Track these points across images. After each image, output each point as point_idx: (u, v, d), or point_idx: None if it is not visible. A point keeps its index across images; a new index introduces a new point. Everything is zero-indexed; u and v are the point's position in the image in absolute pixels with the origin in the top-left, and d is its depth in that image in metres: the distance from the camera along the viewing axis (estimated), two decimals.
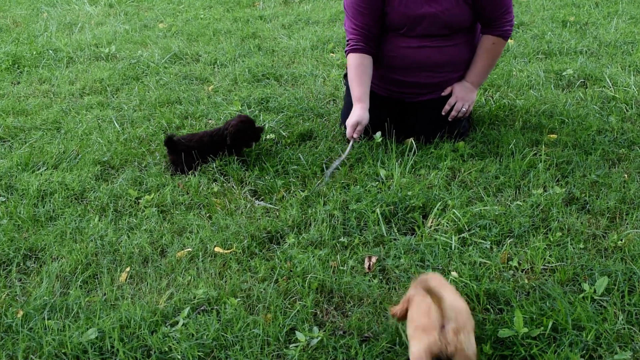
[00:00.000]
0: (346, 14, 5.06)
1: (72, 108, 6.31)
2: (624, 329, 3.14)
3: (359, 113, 4.90)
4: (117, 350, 3.15)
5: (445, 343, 2.70)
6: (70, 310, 3.50)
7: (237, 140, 4.92)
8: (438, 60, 4.98)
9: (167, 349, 3.16)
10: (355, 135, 4.91)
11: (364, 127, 4.92)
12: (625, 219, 4.06)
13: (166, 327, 3.31)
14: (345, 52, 5.10)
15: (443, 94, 5.11)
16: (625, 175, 4.48)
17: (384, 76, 5.13)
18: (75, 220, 4.34)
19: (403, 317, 3.06)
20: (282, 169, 4.81)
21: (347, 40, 5.07)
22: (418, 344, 2.77)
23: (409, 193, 4.30)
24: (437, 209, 4.16)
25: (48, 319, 3.44)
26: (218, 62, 7.49)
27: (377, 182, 4.53)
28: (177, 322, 3.33)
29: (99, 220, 4.32)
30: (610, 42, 7.39)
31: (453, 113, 5.05)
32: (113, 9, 10.23)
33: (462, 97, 5.06)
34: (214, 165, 4.88)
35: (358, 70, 4.99)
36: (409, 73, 5.02)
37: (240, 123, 4.90)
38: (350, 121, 4.91)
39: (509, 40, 7.51)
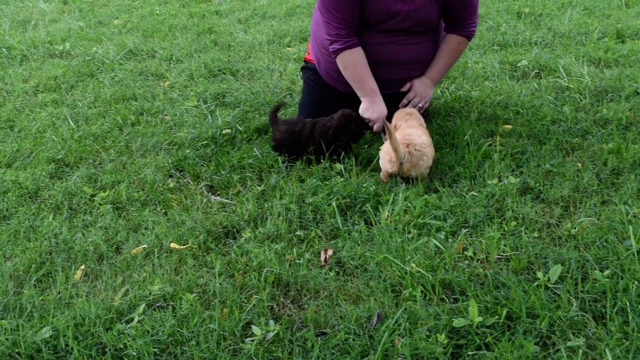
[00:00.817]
0: (326, 13, 4.86)
1: (25, 106, 6.25)
2: (577, 316, 3.16)
3: (381, 107, 4.93)
4: (72, 348, 3.12)
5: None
6: (24, 309, 3.46)
7: (339, 135, 4.81)
8: (402, 57, 4.98)
9: (122, 346, 3.14)
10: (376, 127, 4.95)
11: (379, 126, 4.95)
12: (579, 207, 4.10)
13: (121, 324, 3.28)
14: (337, 50, 4.90)
15: (402, 89, 5.12)
16: (579, 164, 4.52)
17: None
18: (29, 219, 4.30)
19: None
20: (238, 164, 4.79)
21: (335, 38, 4.88)
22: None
23: (365, 185, 4.30)
24: (393, 201, 4.17)
25: (1, 318, 3.40)
26: (174, 57, 7.46)
27: (333, 176, 4.53)
28: (133, 319, 3.30)
29: (54, 219, 4.28)
30: (564, 33, 7.46)
31: (409, 107, 5.06)
32: (67, 6, 10.15)
33: (421, 93, 5.08)
34: (170, 161, 4.86)
35: (362, 63, 4.90)
36: (372, 69, 5.01)
37: (343, 117, 4.80)
38: (374, 116, 4.92)
39: None
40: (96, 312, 3.33)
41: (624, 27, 7.56)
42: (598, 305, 3.23)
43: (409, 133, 4.53)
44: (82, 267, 3.82)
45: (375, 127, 4.93)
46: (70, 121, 5.76)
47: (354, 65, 4.90)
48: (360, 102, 5.03)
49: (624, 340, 3.00)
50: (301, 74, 5.64)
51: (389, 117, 4.92)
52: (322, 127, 4.77)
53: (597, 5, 8.44)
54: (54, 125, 5.72)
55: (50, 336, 3.19)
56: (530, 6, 8.50)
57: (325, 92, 5.22)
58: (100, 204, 4.41)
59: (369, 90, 4.91)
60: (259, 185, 4.50)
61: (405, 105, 5.08)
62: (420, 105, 5.11)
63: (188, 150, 5.01)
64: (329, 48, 4.94)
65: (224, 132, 5.29)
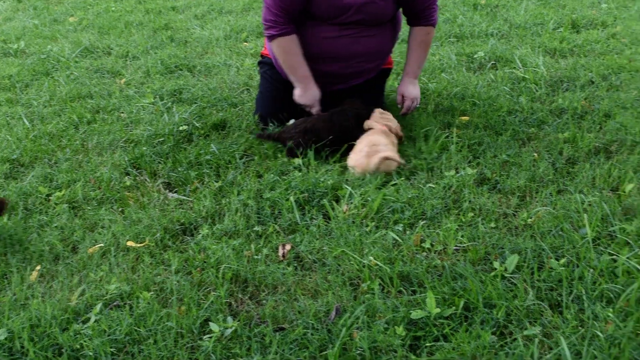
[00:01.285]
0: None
1: None
2: (534, 304, 3.18)
3: (315, 91, 5.05)
4: (28, 350, 3.09)
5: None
6: None
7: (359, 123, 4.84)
8: (358, 50, 4.98)
9: (78, 346, 3.10)
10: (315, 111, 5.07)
11: (317, 110, 5.09)
12: (535, 197, 4.13)
13: (78, 324, 3.25)
14: (272, 35, 4.93)
15: (398, 104, 5.26)
16: (535, 154, 4.55)
17: None
18: None
19: None
20: (195, 160, 4.76)
21: (272, 24, 4.90)
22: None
23: (322, 179, 4.30)
24: (351, 195, 4.17)
25: None
26: (130, 54, 7.41)
27: (291, 171, 4.52)
28: (89, 319, 3.27)
29: (8, 219, 4.23)
30: (520, 24, 7.52)
31: (404, 110, 5.23)
32: (22, 4, 10.06)
33: (415, 97, 5.22)
34: (126, 158, 4.82)
35: (296, 50, 4.95)
36: (325, 63, 5.01)
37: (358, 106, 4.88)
38: (308, 100, 5.06)
39: None
40: (52, 312, 3.29)
41: (579, 17, 7.63)
42: (554, 294, 3.26)
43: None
44: (38, 267, 3.77)
45: (314, 112, 5.05)
46: (25, 120, 5.69)
47: (288, 51, 4.96)
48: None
49: (579, 328, 3.03)
50: (258, 68, 5.63)
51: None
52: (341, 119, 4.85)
53: None
54: (9, 124, 5.66)
55: (6, 338, 3.15)
56: None
57: (282, 86, 5.21)
58: (56, 204, 4.36)
59: (301, 77, 4.99)
60: (217, 182, 4.47)
61: (405, 115, 5.21)
62: (417, 105, 5.25)
63: (145, 148, 4.97)
64: (264, 32, 5.01)
65: (180, 128, 5.25)
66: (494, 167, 4.44)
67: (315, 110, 5.02)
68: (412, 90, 5.18)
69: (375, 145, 4.52)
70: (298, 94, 5.03)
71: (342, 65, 5.05)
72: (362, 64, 5.10)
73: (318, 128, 4.72)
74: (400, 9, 5.08)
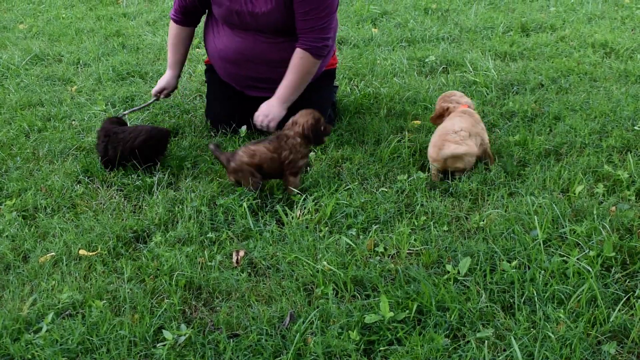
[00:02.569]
0: None
1: None
2: (487, 307, 3.21)
3: (167, 79, 5.44)
4: None
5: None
6: None
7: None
8: (274, 56, 4.99)
9: (30, 356, 3.07)
10: (161, 96, 5.52)
11: (169, 92, 5.49)
12: (487, 200, 4.16)
13: (29, 334, 3.21)
14: (170, 17, 5.33)
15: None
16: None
17: (230, 72, 5.23)
18: None
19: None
20: (148, 167, 4.73)
21: (173, 8, 5.30)
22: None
23: (275, 185, 4.30)
24: (303, 199, 4.18)
25: None
26: (81, 61, 7.36)
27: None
28: (41, 329, 3.23)
29: None
30: (470, 27, 7.59)
31: (259, 127, 4.99)
32: None
33: (265, 114, 4.94)
34: (78, 166, 4.78)
35: (175, 39, 5.36)
36: (251, 67, 5.09)
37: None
38: (158, 85, 5.45)
39: (373, 30, 7.63)
40: (3, 323, 3.25)
41: (529, 21, 7.73)
42: (506, 296, 3.29)
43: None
44: None
45: (153, 93, 5.51)
46: None
47: (169, 36, 5.43)
48: (257, 103, 5.03)
49: (531, 329, 3.06)
50: (205, 76, 5.64)
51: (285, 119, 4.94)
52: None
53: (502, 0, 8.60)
54: None
55: None
56: (437, 2, 8.62)
57: (227, 91, 5.23)
58: (5, 213, 4.30)
59: (168, 63, 5.48)
60: (174, 190, 4.46)
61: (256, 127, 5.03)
62: (265, 124, 4.94)
63: (97, 155, 4.93)
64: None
65: None
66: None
67: (153, 92, 5.49)
68: (264, 109, 4.95)
69: (445, 134, 4.46)
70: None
71: (263, 70, 5.09)
72: (278, 70, 5.02)
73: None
74: None
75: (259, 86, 5.15)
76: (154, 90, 5.46)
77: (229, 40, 5.01)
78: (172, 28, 5.30)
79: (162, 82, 5.42)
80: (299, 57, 4.89)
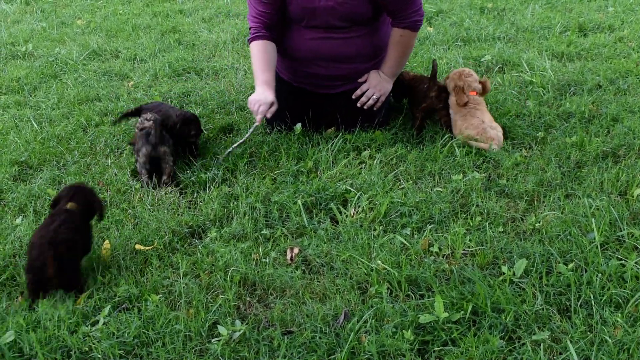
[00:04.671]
0: (248, 3, 5.04)
1: None
2: (542, 309, 3.18)
3: (264, 94, 4.87)
4: (36, 352, 3.09)
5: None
6: None
7: None
8: (342, 52, 4.99)
9: (87, 348, 3.11)
10: (259, 117, 4.86)
11: (267, 106, 4.85)
12: (543, 201, 4.13)
13: (86, 326, 3.25)
14: (248, 40, 5.06)
15: (360, 80, 5.12)
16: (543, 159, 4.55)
17: (294, 68, 5.18)
18: None
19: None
20: (202, 164, 4.77)
21: (250, 29, 5.05)
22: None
23: (330, 183, 4.31)
24: (358, 198, 4.18)
25: None
26: (138, 57, 7.42)
27: (299, 173, 4.53)
28: (98, 321, 3.28)
29: (17, 221, 4.23)
30: (527, 27, 7.51)
31: (363, 99, 5.06)
32: (30, 7, 10.06)
33: (375, 86, 5.08)
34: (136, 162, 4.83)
35: (263, 56, 4.97)
36: (317, 65, 5.04)
37: None
38: (265, 101, 4.86)
39: (429, 28, 7.59)
40: (60, 315, 3.30)
41: (586, 21, 7.62)
42: (562, 299, 3.26)
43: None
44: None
45: (258, 119, 4.89)
46: (34, 123, 5.70)
47: (253, 57, 5.02)
48: (319, 98, 5.16)
49: (588, 333, 3.03)
50: None
51: (341, 117, 5.10)
52: None
53: None
54: (17, 127, 5.67)
55: (14, 340, 3.16)
56: (493, 1, 8.54)
57: (285, 88, 5.22)
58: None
59: (260, 81, 4.94)
60: (227, 185, 4.48)
61: (359, 97, 5.08)
62: (375, 97, 5.09)
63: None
64: None
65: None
66: (501, 171, 4.44)
67: (258, 118, 4.87)
68: (378, 81, 5.13)
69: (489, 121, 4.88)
70: (250, 97, 4.95)
71: (335, 67, 5.07)
72: (356, 65, 5.11)
73: None
74: None
75: (323, 84, 5.16)
76: (262, 109, 4.83)
77: (299, 40, 5.01)
78: (259, 45, 4.98)
79: (269, 97, 4.86)
80: (399, 35, 5.01)
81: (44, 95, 6.45)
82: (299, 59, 5.08)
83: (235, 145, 4.78)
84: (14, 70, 7.13)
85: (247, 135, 4.95)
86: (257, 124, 4.90)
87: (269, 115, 4.88)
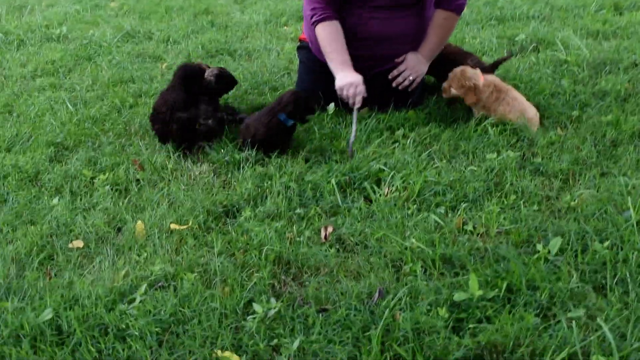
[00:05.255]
0: None
1: (23, 91, 6.25)
2: (578, 287, 3.17)
3: (352, 76, 4.88)
4: (74, 329, 3.13)
5: None
6: (27, 291, 3.46)
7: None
8: (387, 32, 4.98)
9: (124, 326, 3.14)
10: (359, 98, 4.86)
11: (363, 86, 4.87)
12: (579, 180, 4.10)
13: (123, 304, 3.28)
14: (313, 23, 5.01)
15: (396, 60, 5.11)
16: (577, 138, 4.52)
17: None
18: (29, 203, 4.30)
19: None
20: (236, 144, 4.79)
21: (313, 11, 4.99)
22: None
23: (363, 162, 4.31)
24: (392, 177, 4.17)
25: (5, 300, 3.40)
26: (171, 39, 7.46)
27: (332, 153, 4.53)
28: (134, 299, 3.30)
29: (54, 201, 4.28)
30: (561, 6, 7.46)
31: (399, 79, 5.05)
32: None
33: (412, 67, 5.07)
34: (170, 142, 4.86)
35: (336, 37, 4.95)
36: (360, 45, 5.01)
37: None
38: (360, 84, 4.86)
39: None
40: (97, 293, 3.33)
41: None
42: (598, 277, 3.24)
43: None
44: (82, 246, 3.82)
45: (357, 102, 4.87)
46: (69, 105, 5.75)
47: (322, 39, 4.97)
48: None
49: (624, 311, 3.01)
50: (297, 53, 5.65)
51: (376, 97, 5.01)
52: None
53: None
54: (52, 109, 5.72)
55: (52, 318, 3.19)
56: None
57: (320, 69, 5.21)
58: (99, 187, 4.40)
59: (339, 62, 4.94)
60: (260, 165, 4.50)
61: (395, 77, 5.07)
62: (412, 78, 5.09)
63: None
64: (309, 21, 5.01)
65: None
66: (536, 149, 4.42)
67: (358, 100, 4.85)
68: (415, 62, 5.13)
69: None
70: (337, 83, 4.93)
71: (378, 47, 5.06)
72: (395, 47, 5.12)
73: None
74: None
75: (363, 64, 5.09)
76: (360, 89, 4.85)
77: (344, 21, 4.99)
78: (326, 26, 4.96)
79: (359, 76, 4.88)
80: (443, 18, 5.04)
81: (79, 77, 6.50)
82: (347, 40, 5.04)
83: (352, 139, 4.65)
84: (49, 53, 7.19)
85: (354, 124, 4.74)
86: (357, 106, 4.86)
87: (357, 100, 4.86)
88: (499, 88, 4.80)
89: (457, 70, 4.92)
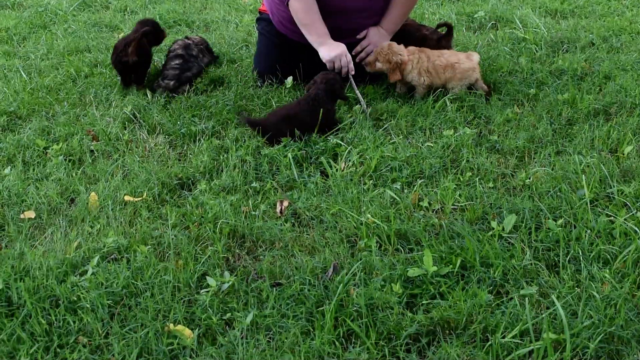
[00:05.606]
0: None
1: None
2: (531, 264, 3.19)
3: (337, 46, 4.87)
4: (25, 301, 3.09)
5: None
6: None
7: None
8: (353, 6, 4.96)
9: (75, 298, 3.10)
10: (351, 65, 4.88)
11: (350, 57, 4.89)
12: (534, 158, 4.13)
13: (75, 276, 3.24)
14: None
15: (358, 36, 5.09)
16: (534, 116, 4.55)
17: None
18: None
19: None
20: (192, 115, 4.74)
21: None
22: None
23: (320, 137, 4.30)
24: (348, 152, 4.16)
25: None
26: (128, 9, 7.38)
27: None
28: (86, 271, 3.26)
29: (5, 171, 4.21)
30: None
31: (362, 54, 5.04)
32: None
33: (375, 42, 5.06)
34: (127, 110, 4.80)
35: (311, 7, 4.89)
36: (325, 18, 4.97)
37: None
38: (342, 53, 4.85)
39: None
40: (49, 264, 3.29)
41: None
42: (551, 254, 3.27)
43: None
44: (34, 217, 3.77)
45: (350, 70, 4.88)
46: (23, 73, 5.66)
47: (299, 12, 4.91)
48: (312, 53, 5.00)
49: (576, 289, 3.04)
50: (256, 25, 5.61)
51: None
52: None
53: None
54: (6, 77, 5.63)
55: (2, 289, 3.15)
56: None
57: (280, 42, 5.20)
58: (53, 157, 4.34)
59: (321, 34, 4.90)
60: (217, 138, 4.46)
61: (359, 53, 5.05)
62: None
63: (144, 100, 4.96)
64: None
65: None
66: (492, 127, 4.44)
67: (351, 67, 4.85)
68: (378, 37, 5.13)
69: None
70: (324, 52, 4.88)
71: (341, 19, 5.04)
72: (358, 20, 5.12)
73: (297, 114, 4.49)
74: None
75: (337, 38, 5.06)
76: (350, 58, 4.87)
77: None
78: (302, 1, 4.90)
79: (340, 49, 4.83)
80: None
81: (33, 45, 6.41)
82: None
83: (363, 106, 4.74)
84: (3, 20, 7.08)
85: (356, 90, 4.84)
86: (352, 72, 4.89)
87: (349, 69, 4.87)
88: (423, 51, 4.95)
89: (385, 44, 4.94)
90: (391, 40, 5.12)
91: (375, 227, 3.50)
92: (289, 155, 4.13)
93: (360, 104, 4.72)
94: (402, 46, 4.93)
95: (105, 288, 3.14)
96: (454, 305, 2.95)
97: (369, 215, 3.57)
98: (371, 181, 3.92)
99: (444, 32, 5.28)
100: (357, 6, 4.97)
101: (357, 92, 4.78)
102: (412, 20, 5.49)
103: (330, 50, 4.84)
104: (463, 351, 2.77)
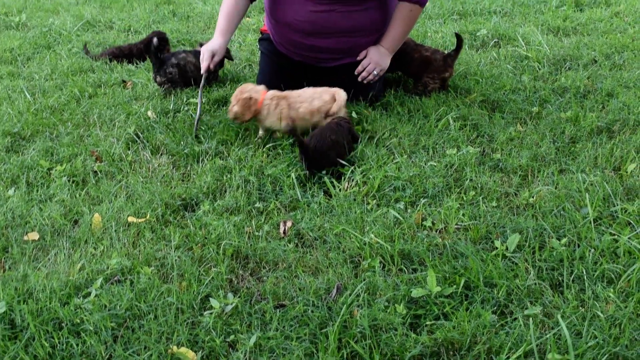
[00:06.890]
0: None
1: None
2: (535, 284, 3.18)
3: (217, 42, 5.02)
4: (28, 323, 3.09)
5: None
6: None
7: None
8: (347, 25, 4.97)
9: (78, 320, 3.10)
10: (204, 64, 5.00)
11: (219, 59, 5.04)
12: (537, 176, 4.12)
13: (78, 298, 3.24)
14: None
15: (358, 58, 5.10)
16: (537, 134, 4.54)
17: (296, 41, 5.09)
18: None
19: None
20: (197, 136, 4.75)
21: None
22: None
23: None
24: (351, 172, 4.16)
25: None
26: (132, 28, 7.40)
27: (293, 147, 4.51)
28: (90, 294, 3.26)
29: (9, 193, 4.22)
30: (523, 1, 7.51)
31: (364, 74, 5.05)
32: None
33: (376, 61, 5.06)
34: (131, 130, 4.81)
35: (231, 8, 5.08)
36: (320, 38, 5.00)
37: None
38: (207, 52, 4.99)
39: None
40: (52, 286, 3.29)
41: None
42: (555, 274, 3.26)
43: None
44: (37, 238, 3.77)
45: (203, 67, 5.02)
46: (27, 94, 5.68)
47: (223, 3, 5.14)
48: (314, 72, 5.15)
49: (580, 308, 3.02)
50: (259, 45, 5.64)
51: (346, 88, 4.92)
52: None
53: None
54: (10, 98, 5.65)
55: (6, 311, 3.15)
56: None
57: (281, 61, 5.24)
58: (57, 178, 4.35)
59: (218, 28, 5.09)
60: (220, 158, 4.47)
61: (360, 73, 5.06)
62: (376, 72, 5.08)
63: (147, 121, 4.97)
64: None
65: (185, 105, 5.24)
66: (496, 146, 4.44)
67: (204, 65, 4.99)
68: (378, 56, 5.12)
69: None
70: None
71: (338, 40, 5.04)
72: (358, 39, 5.09)
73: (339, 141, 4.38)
74: None
75: (319, 57, 5.14)
76: (205, 61, 4.98)
77: (302, 11, 4.95)
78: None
79: (211, 45, 5.03)
80: (408, 10, 5.02)
81: (37, 66, 6.43)
82: (301, 31, 5.03)
83: (198, 112, 4.93)
84: (7, 41, 7.11)
85: (200, 96, 5.06)
86: (202, 72, 5.02)
87: (212, 67, 5.03)
88: (281, 96, 4.77)
89: (238, 88, 4.87)
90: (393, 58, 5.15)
91: (379, 247, 3.49)
92: (292, 175, 4.13)
93: (197, 108, 4.93)
94: (261, 87, 4.82)
95: (109, 310, 3.14)
96: (458, 326, 2.95)
97: (373, 235, 3.57)
98: (374, 201, 3.92)
99: (446, 52, 5.28)
100: (349, 26, 4.97)
101: (200, 94, 5.04)
102: (410, 40, 5.49)
103: (209, 44, 5.05)
104: None
